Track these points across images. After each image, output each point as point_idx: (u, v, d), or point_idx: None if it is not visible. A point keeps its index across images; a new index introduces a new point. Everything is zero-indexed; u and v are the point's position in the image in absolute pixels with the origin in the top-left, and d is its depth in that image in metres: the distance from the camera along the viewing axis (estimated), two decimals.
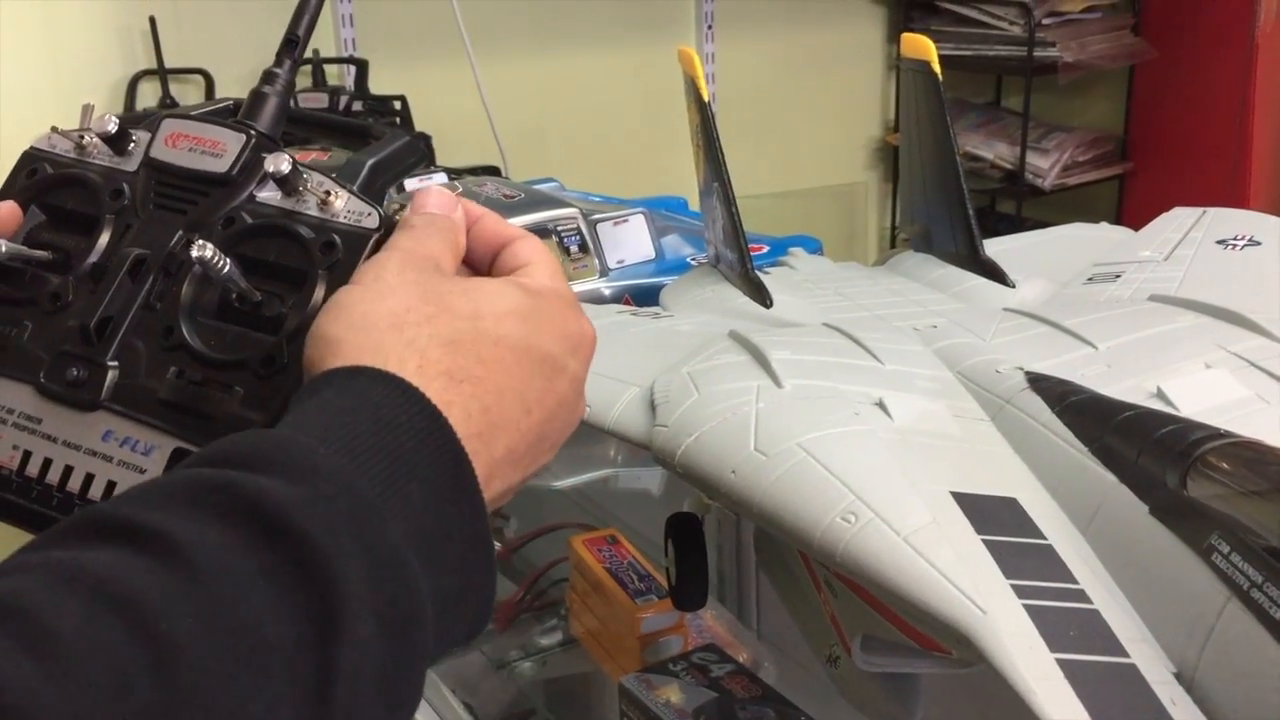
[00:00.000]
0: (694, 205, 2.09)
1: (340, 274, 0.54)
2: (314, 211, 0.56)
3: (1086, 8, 3.08)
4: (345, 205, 0.56)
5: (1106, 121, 3.35)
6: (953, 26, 3.12)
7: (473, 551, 0.46)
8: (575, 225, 1.70)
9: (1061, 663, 0.60)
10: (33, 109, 2.22)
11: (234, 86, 2.43)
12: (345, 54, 2.50)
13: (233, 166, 0.58)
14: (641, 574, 1.27)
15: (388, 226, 0.56)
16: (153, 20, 2.27)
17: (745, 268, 1.23)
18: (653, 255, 1.75)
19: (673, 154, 2.74)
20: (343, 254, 0.55)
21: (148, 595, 0.37)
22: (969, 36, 3.11)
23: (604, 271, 1.70)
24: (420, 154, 0.64)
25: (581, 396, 0.56)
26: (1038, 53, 3.00)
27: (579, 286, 1.68)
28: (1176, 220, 1.36)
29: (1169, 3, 3.16)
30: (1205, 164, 3.13)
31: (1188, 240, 1.29)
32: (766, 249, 1.70)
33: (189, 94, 2.39)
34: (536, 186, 1.97)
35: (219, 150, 0.58)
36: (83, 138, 0.61)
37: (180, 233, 0.57)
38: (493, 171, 2.26)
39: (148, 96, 2.34)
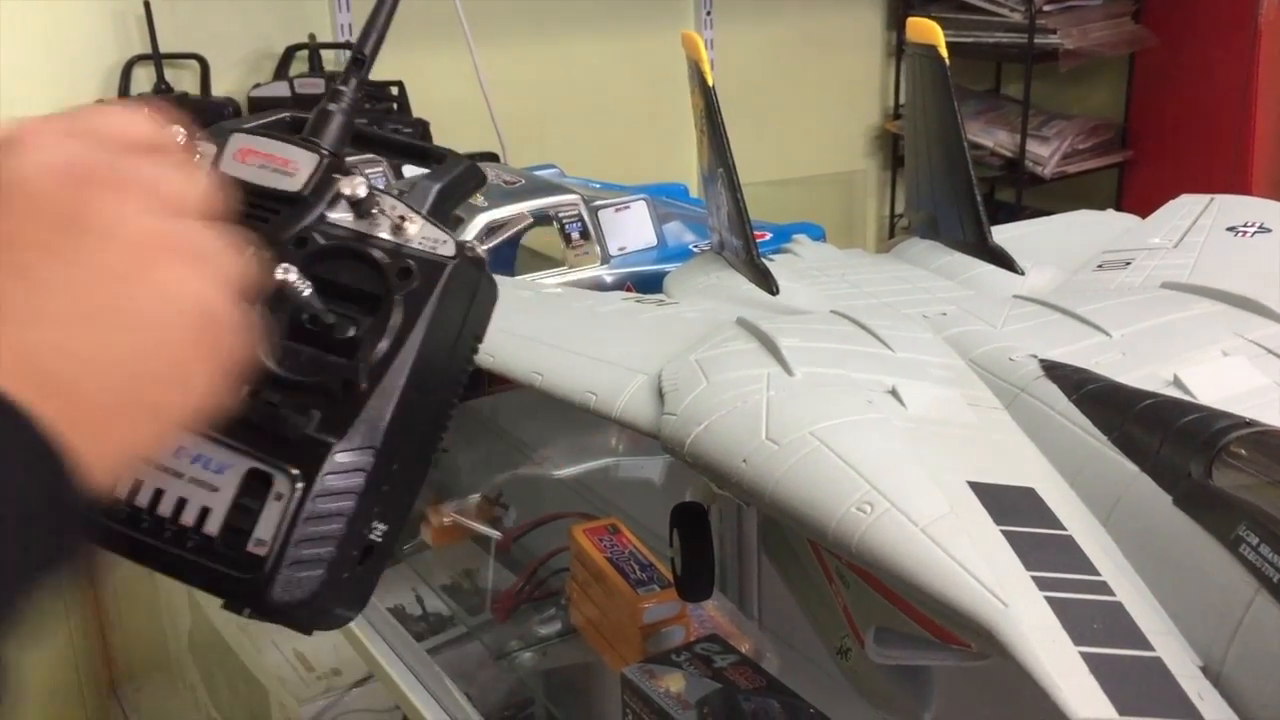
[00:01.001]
0: (695, 192, 2.08)
1: (416, 300, 0.54)
2: (386, 235, 0.56)
3: None
4: (420, 231, 0.56)
5: (1107, 109, 3.34)
6: (953, 13, 3.10)
7: None
8: (577, 211, 1.68)
9: (1085, 656, 0.59)
10: (26, 93, 2.19)
11: (229, 72, 2.41)
12: (342, 39, 2.47)
13: (306, 185, 0.57)
14: (643, 563, 1.26)
15: (462, 254, 0.56)
16: (147, 5, 2.25)
17: (751, 254, 1.22)
18: (655, 242, 1.74)
19: (672, 141, 2.73)
20: (419, 281, 0.55)
21: None
22: (969, 23, 3.09)
23: (606, 259, 1.69)
24: (482, 180, 0.65)
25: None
26: (1038, 40, 2.98)
27: (581, 274, 1.67)
28: (1184, 207, 1.35)
29: None
30: (1206, 152, 3.11)
31: (1197, 227, 1.27)
32: (770, 236, 1.69)
33: (184, 80, 2.37)
34: (537, 173, 1.95)
35: (291, 169, 0.58)
36: None
37: (251, 250, 0.57)
38: (492, 158, 2.24)
39: (142, 82, 2.32)
